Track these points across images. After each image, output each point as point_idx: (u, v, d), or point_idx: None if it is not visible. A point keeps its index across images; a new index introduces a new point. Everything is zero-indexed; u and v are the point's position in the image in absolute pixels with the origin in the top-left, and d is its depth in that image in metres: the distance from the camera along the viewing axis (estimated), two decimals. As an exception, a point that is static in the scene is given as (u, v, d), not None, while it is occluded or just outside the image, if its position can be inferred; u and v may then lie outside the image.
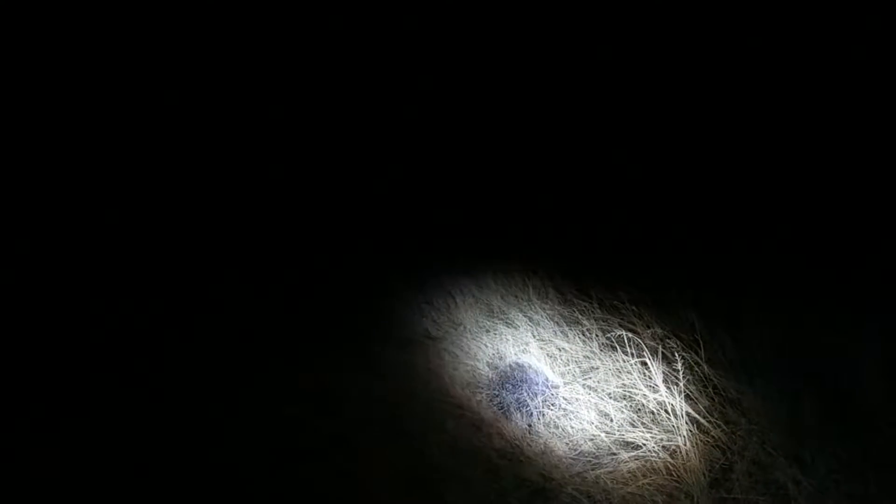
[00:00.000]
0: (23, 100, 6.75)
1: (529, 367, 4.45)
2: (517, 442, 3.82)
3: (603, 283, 5.15)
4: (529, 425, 3.93)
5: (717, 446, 3.34)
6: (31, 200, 6.50)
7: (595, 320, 4.68)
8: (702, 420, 3.44)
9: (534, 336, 4.76)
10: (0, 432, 4.13)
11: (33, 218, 6.44)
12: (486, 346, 4.80)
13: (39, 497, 3.63)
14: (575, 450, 3.67)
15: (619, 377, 3.93)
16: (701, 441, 3.35)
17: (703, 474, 3.16)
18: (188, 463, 3.79)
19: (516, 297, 5.40)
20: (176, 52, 7.45)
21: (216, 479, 3.64)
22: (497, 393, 4.27)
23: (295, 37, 7.82)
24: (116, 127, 7.24)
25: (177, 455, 3.86)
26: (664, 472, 3.27)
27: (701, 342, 3.96)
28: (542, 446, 3.73)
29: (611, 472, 3.39)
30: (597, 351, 4.39)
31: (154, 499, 3.56)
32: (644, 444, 3.42)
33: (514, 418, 4.03)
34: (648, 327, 4.31)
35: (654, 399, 3.54)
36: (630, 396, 3.76)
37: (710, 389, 3.70)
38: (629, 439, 3.53)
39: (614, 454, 3.51)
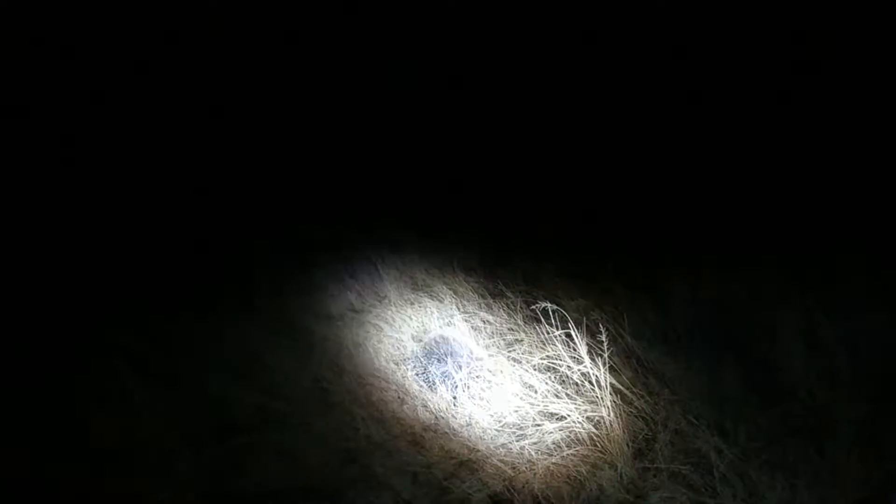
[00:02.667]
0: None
1: (454, 339, 4.44)
2: (442, 414, 3.81)
3: (527, 255, 5.17)
4: (454, 397, 3.93)
5: (641, 417, 3.40)
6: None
7: (519, 293, 4.70)
8: (625, 391, 3.49)
9: (458, 308, 4.75)
10: None
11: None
12: (411, 319, 4.77)
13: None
14: (500, 421, 3.68)
15: (543, 349, 3.94)
16: (625, 412, 3.40)
17: (627, 444, 3.21)
18: (112, 441, 3.66)
19: (440, 269, 5.37)
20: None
21: (140, 456, 3.52)
22: (422, 365, 4.25)
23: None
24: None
25: (98, 432, 3.72)
26: (588, 443, 3.31)
27: (624, 314, 4.01)
28: (466, 418, 3.73)
29: (535, 443, 3.42)
30: (521, 323, 4.41)
31: (74, 478, 3.41)
32: (568, 415, 3.45)
33: (439, 391, 4.01)
34: (572, 299, 4.35)
35: (579, 370, 3.56)
36: (554, 368, 3.78)
37: (634, 361, 3.77)
38: (554, 410, 3.55)
39: (539, 425, 3.53)
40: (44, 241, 5.94)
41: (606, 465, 3.17)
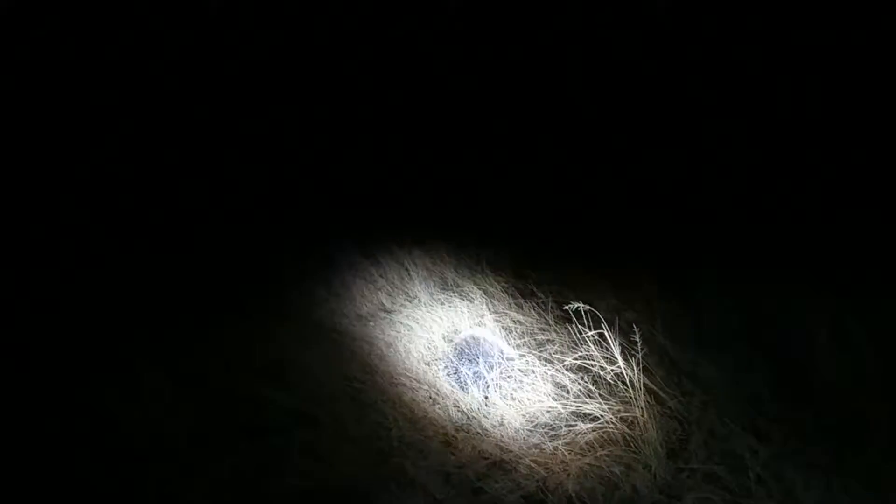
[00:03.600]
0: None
1: (485, 339, 4.43)
2: (474, 414, 3.82)
3: (558, 255, 5.18)
4: (486, 398, 3.93)
5: (675, 417, 3.39)
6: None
7: (550, 293, 4.70)
8: (659, 391, 3.48)
9: (489, 309, 4.76)
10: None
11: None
12: (442, 319, 4.78)
13: None
14: (532, 422, 3.68)
15: (575, 349, 3.94)
16: (658, 412, 3.39)
17: (661, 445, 3.19)
18: (143, 442, 3.70)
19: (470, 269, 5.39)
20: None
21: (172, 458, 3.56)
22: (453, 366, 4.25)
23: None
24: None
25: (131, 433, 3.76)
26: (622, 443, 3.30)
27: (657, 314, 4.00)
28: (498, 418, 3.73)
29: (568, 444, 3.41)
30: (552, 323, 4.42)
31: (105, 480, 3.46)
32: (602, 416, 3.44)
33: (470, 391, 4.01)
34: (604, 299, 4.34)
35: (612, 371, 3.55)
36: (587, 368, 3.78)
37: (667, 361, 3.75)
38: (586, 411, 3.54)
39: (572, 425, 3.52)
40: (76, 246, 6.02)
41: (640, 466, 3.16)
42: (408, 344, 4.58)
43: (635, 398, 3.37)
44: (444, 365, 4.32)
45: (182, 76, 7.66)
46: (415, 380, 4.17)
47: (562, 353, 4.06)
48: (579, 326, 3.78)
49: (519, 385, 3.93)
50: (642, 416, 3.31)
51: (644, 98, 6.39)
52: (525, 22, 7.30)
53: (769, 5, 5.73)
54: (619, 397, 3.53)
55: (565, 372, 3.86)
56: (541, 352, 4.18)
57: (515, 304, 4.73)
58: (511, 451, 3.43)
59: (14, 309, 5.02)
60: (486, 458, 3.41)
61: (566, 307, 3.88)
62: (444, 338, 4.63)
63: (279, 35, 7.90)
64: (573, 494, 3.07)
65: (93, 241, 6.10)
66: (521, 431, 3.61)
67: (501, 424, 3.68)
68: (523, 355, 4.18)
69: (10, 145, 6.63)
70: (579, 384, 3.74)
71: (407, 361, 4.39)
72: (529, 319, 4.54)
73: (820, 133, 5.07)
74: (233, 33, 7.79)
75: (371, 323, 4.94)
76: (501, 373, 4.06)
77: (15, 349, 4.54)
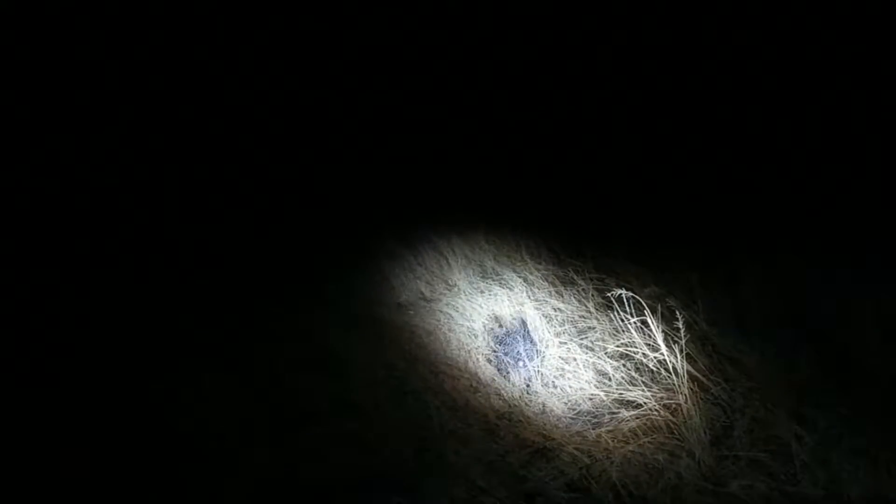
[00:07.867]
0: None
1: (525, 327, 4.43)
2: (515, 402, 3.82)
3: (597, 243, 5.14)
4: (527, 385, 3.93)
5: (718, 404, 3.35)
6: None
7: (590, 280, 4.67)
8: (702, 378, 3.44)
9: (529, 297, 4.74)
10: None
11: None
12: (482, 307, 4.78)
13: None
14: (574, 409, 3.67)
15: (616, 336, 3.92)
16: (702, 399, 3.35)
17: (705, 432, 3.16)
18: (188, 429, 3.76)
19: (509, 257, 5.37)
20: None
21: (217, 445, 3.62)
22: (494, 354, 4.26)
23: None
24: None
25: (175, 421, 3.83)
26: (665, 431, 3.27)
27: (699, 301, 3.95)
28: (540, 406, 3.73)
29: (611, 431, 3.39)
30: (593, 311, 4.38)
31: (153, 468, 3.52)
32: (644, 403, 3.42)
33: (511, 379, 4.02)
34: (645, 286, 4.30)
35: (654, 358, 3.52)
36: (629, 355, 3.75)
37: (710, 348, 3.70)
38: (629, 398, 3.53)
39: (614, 413, 3.51)
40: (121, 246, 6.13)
41: (684, 453, 3.13)
42: (448, 332, 4.59)
43: (678, 385, 3.34)
44: (485, 353, 4.31)
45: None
46: (456, 368, 4.18)
47: (603, 340, 4.03)
48: (621, 313, 3.76)
49: (560, 373, 3.92)
50: (686, 403, 3.28)
51: (684, 86, 6.31)
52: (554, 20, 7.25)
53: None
54: (662, 384, 3.50)
55: (607, 359, 3.84)
56: (582, 339, 4.15)
57: (556, 292, 4.71)
58: (554, 439, 3.42)
59: (56, 305, 5.13)
60: (529, 446, 3.41)
61: (608, 294, 3.85)
62: (484, 326, 4.62)
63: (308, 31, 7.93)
64: (617, 482, 3.06)
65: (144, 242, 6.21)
66: (563, 419, 3.61)
67: (543, 412, 3.68)
68: (564, 343, 4.15)
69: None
70: (621, 371, 3.72)
71: (447, 350, 4.40)
72: (570, 307, 4.51)
73: (865, 119, 4.97)
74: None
75: (411, 311, 4.96)
76: (543, 361, 4.05)
77: (57, 345, 4.64)
